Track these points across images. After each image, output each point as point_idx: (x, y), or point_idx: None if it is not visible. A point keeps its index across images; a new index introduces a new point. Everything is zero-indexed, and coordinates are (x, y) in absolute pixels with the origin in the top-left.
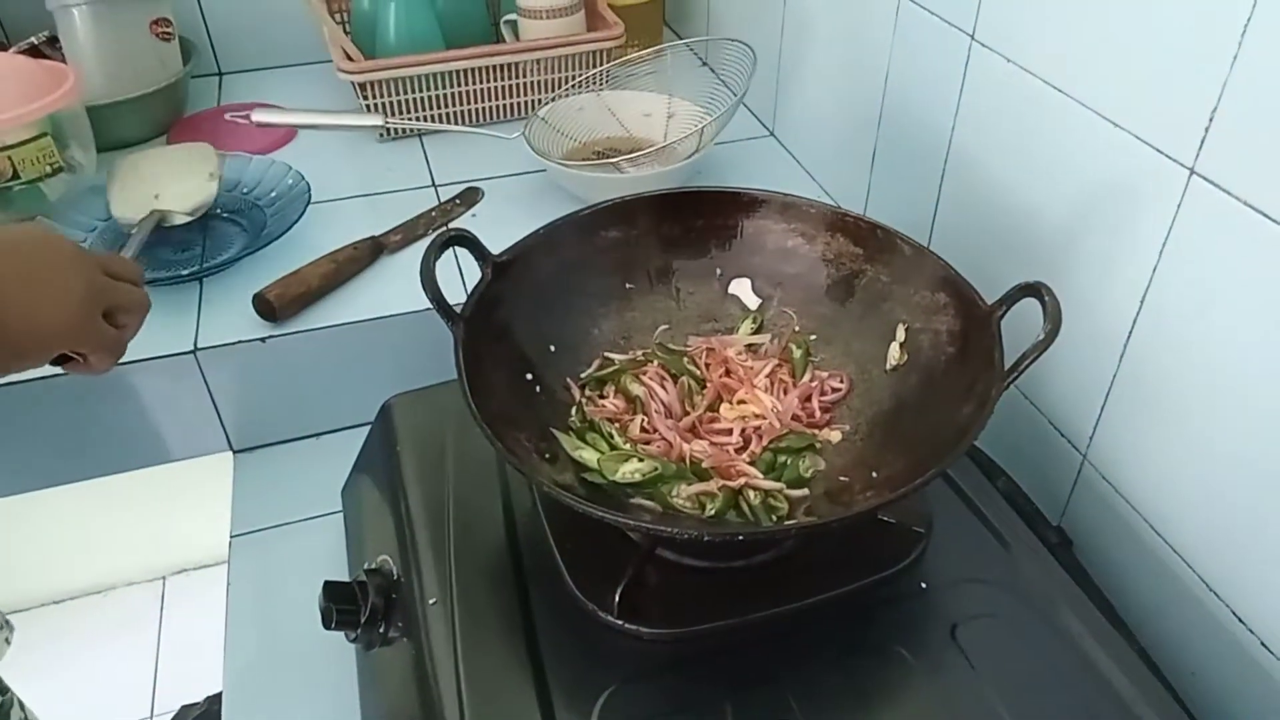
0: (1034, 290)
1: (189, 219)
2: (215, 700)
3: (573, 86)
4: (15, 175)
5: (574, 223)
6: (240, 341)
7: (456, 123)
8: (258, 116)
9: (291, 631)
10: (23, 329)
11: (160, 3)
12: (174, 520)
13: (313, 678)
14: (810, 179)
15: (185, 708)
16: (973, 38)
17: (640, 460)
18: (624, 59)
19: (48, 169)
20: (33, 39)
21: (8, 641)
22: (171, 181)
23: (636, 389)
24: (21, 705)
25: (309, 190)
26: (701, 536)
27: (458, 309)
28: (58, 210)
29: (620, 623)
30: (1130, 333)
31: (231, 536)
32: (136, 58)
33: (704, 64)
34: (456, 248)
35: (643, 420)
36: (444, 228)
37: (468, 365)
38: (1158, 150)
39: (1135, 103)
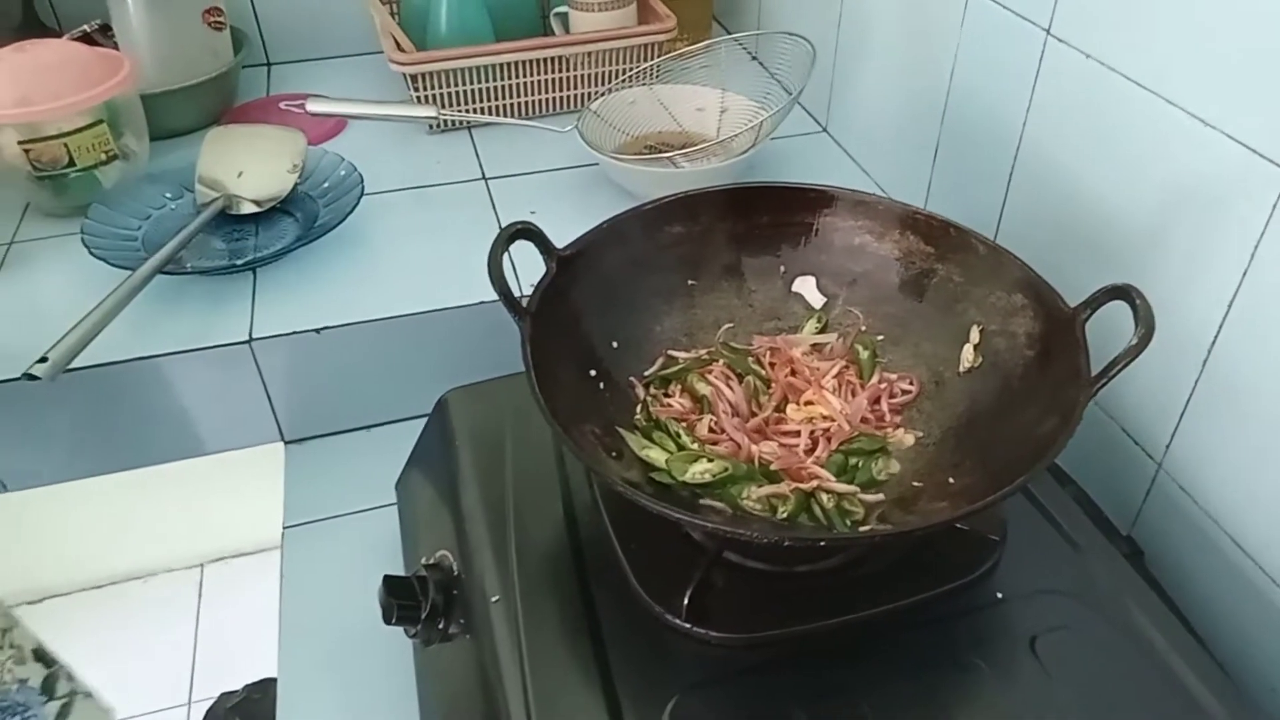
0: (1123, 293)
1: (256, 209)
2: (254, 688)
3: (624, 80)
4: (71, 162)
5: (638, 216)
6: (295, 332)
7: (505, 115)
8: (312, 106)
9: (345, 623)
10: None
11: None
12: (214, 508)
13: (366, 670)
14: (866, 176)
15: (224, 695)
16: (1048, 32)
17: (710, 461)
18: (677, 52)
19: (103, 156)
20: (85, 26)
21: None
22: (256, 162)
23: (703, 388)
24: (70, 676)
25: (362, 182)
26: (781, 541)
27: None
28: (112, 198)
29: (688, 626)
30: (1215, 338)
31: (284, 527)
32: (189, 46)
33: (754, 58)
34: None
35: (710, 420)
36: None
37: (535, 361)
38: (1252, 150)
39: (1228, 100)
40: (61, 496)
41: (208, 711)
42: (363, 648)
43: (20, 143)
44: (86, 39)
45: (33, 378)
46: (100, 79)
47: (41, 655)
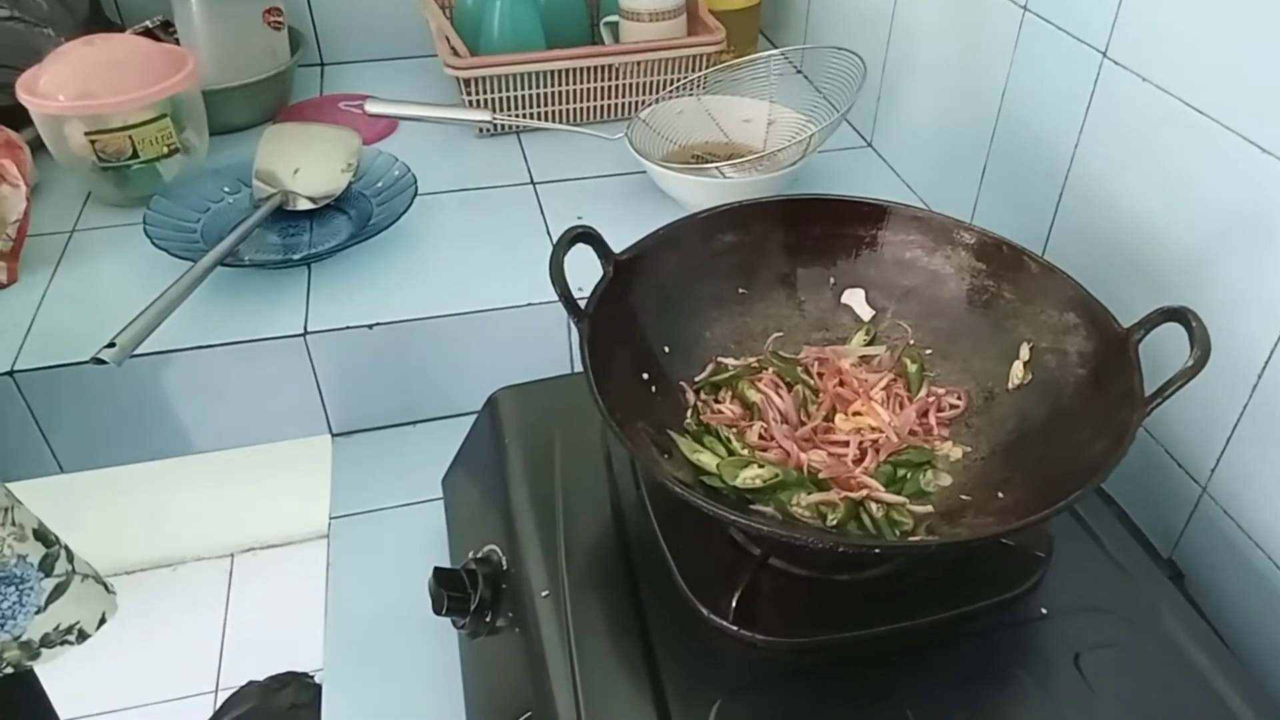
0: (1179, 315)
1: (311, 205)
2: (275, 680)
3: (673, 90)
4: (135, 154)
5: (694, 224)
6: (349, 327)
7: (553, 121)
8: (371, 107)
9: (391, 613)
10: None
11: None
12: (245, 500)
13: (410, 658)
14: (911, 192)
15: (250, 683)
16: (1105, 55)
17: (760, 466)
18: (726, 64)
19: (165, 150)
20: (147, 22)
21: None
22: (312, 161)
23: (754, 396)
24: (70, 557)
25: (415, 183)
26: (837, 546)
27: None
28: (172, 191)
29: (735, 628)
30: (1266, 364)
31: (331, 518)
32: (249, 45)
33: (798, 71)
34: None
35: (760, 427)
36: None
37: (593, 361)
38: None
39: None
40: (97, 483)
41: (231, 697)
42: (407, 637)
43: (87, 134)
44: (148, 34)
45: (100, 361)
46: (165, 74)
47: (42, 535)
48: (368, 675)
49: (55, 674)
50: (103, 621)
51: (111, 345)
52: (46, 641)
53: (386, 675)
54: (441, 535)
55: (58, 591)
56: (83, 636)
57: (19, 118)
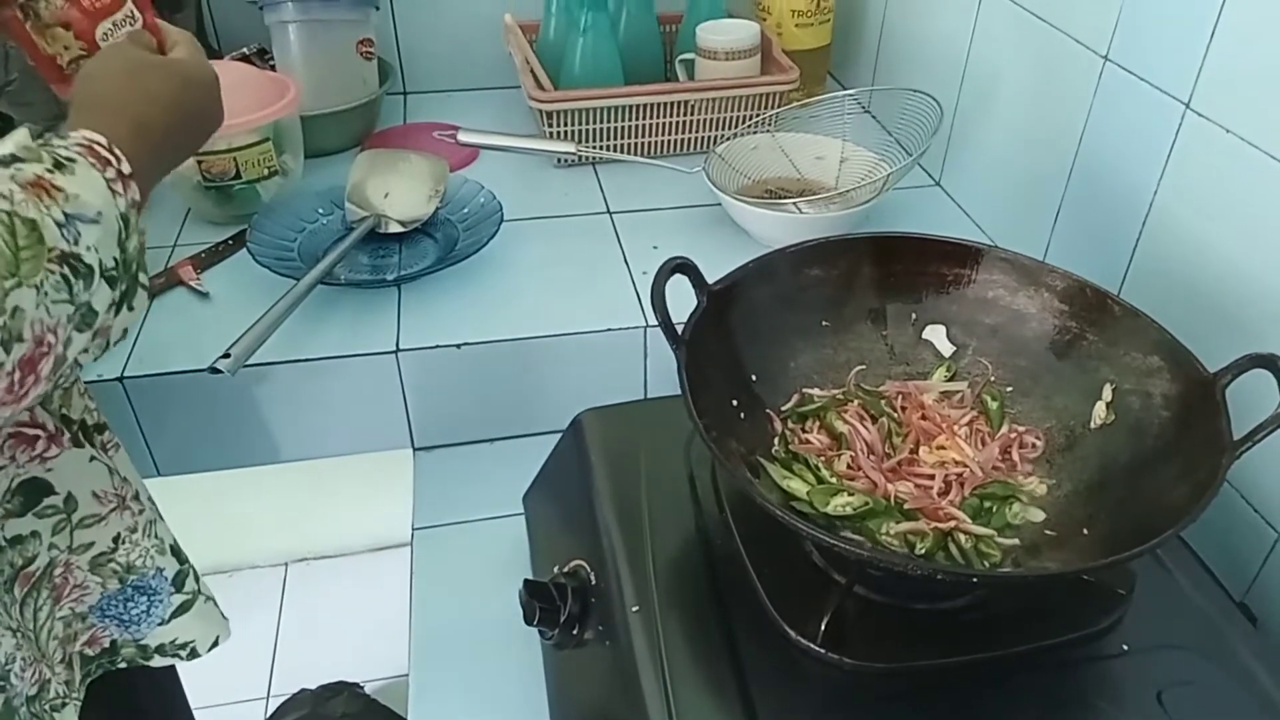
0: (1268, 361)
1: (401, 229)
2: (327, 689)
3: (747, 126)
4: (237, 175)
5: (783, 257)
6: (439, 346)
7: (630, 153)
8: (464, 137)
9: (473, 621)
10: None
11: (366, 24)
12: (300, 511)
13: (494, 664)
14: (980, 231)
15: (301, 691)
16: (1187, 106)
17: (851, 495)
18: (800, 103)
19: (265, 171)
20: (244, 49)
21: None
22: (402, 186)
23: (841, 426)
24: (197, 578)
25: (501, 210)
26: (935, 574)
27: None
28: (271, 211)
29: (822, 651)
30: None
31: (414, 528)
32: (342, 74)
33: (865, 111)
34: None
35: (849, 457)
36: None
37: (691, 385)
38: None
39: None
40: (158, 490)
41: (283, 703)
42: (489, 644)
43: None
44: (245, 60)
45: (216, 370)
46: (268, 100)
47: (177, 552)
48: (452, 679)
49: None
50: (215, 644)
51: (226, 355)
52: (160, 650)
53: (470, 680)
54: (520, 549)
55: (183, 609)
56: (193, 654)
57: None
